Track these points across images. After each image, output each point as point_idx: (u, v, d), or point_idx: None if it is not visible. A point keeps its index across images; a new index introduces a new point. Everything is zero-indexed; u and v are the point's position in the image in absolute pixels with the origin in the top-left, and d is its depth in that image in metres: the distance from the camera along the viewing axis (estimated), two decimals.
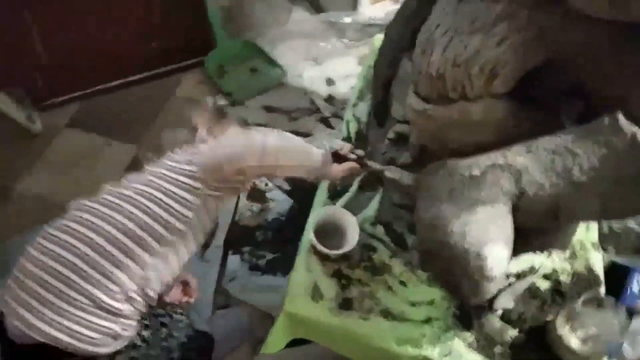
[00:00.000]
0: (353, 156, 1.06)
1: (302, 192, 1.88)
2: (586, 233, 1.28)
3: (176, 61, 2.30)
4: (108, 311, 0.91)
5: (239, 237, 1.79)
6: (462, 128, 0.90)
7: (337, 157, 1.06)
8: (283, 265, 1.68)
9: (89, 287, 0.88)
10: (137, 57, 2.21)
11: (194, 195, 0.97)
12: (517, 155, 0.85)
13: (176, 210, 0.96)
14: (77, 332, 0.88)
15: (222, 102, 2.25)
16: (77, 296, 0.87)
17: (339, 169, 1.05)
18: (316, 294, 1.11)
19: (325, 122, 2.16)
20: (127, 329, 0.97)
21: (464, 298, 0.81)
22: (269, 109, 2.22)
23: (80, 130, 2.10)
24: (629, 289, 1.44)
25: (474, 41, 0.84)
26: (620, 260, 1.63)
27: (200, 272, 1.70)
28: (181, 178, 0.97)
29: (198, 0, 2.14)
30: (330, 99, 2.27)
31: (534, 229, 1.05)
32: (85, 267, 0.88)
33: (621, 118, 0.77)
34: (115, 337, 0.95)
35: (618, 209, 0.79)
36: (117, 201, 0.96)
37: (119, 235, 0.92)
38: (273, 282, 1.67)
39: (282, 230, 1.81)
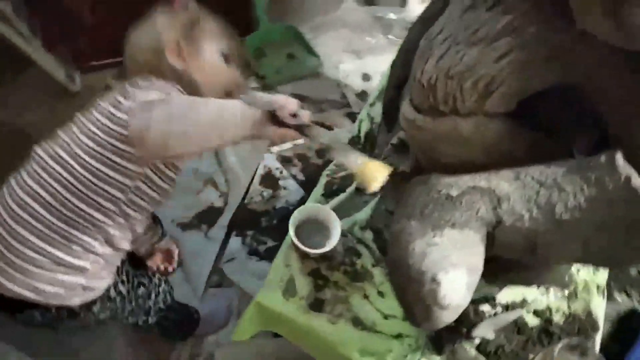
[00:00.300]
0: (292, 121, 0.84)
1: (315, 185, 1.87)
2: (594, 274, 1.18)
3: None
4: (71, 268, 0.92)
5: (244, 220, 1.80)
6: (451, 144, 0.84)
7: (277, 119, 0.85)
8: None
9: (47, 247, 0.89)
10: None
11: (130, 146, 0.86)
12: (502, 181, 0.79)
13: (117, 163, 0.87)
14: (42, 289, 0.90)
15: (254, 84, 2.26)
16: (36, 256, 0.89)
17: (275, 134, 0.83)
18: (289, 290, 1.10)
19: (353, 117, 2.12)
20: (96, 281, 0.97)
21: (416, 322, 0.76)
22: (298, 96, 2.20)
23: None
24: None
25: (472, 53, 0.78)
26: None
27: (200, 248, 1.73)
28: (116, 128, 0.86)
29: None
30: (362, 95, 2.22)
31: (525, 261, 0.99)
32: (40, 227, 0.89)
33: (619, 158, 0.69)
34: (85, 288, 0.95)
35: (602, 257, 0.72)
36: (62, 154, 0.90)
37: (67, 194, 0.89)
38: (268, 269, 1.67)
39: (288, 219, 1.80)
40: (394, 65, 1.26)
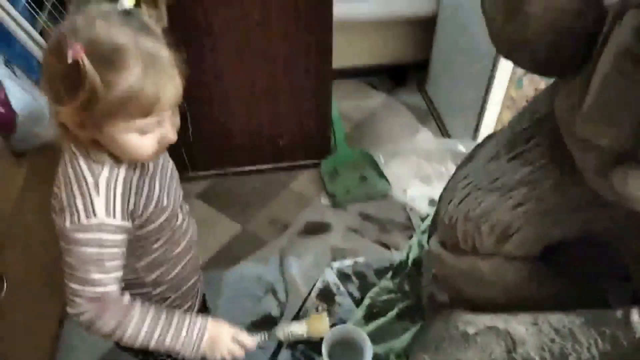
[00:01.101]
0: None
1: None
2: None
3: (297, 159, 2.58)
4: None
5: None
6: (472, 281, 0.88)
7: None
8: None
9: None
10: (267, 150, 2.54)
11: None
12: (519, 325, 0.80)
13: None
14: None
15: (325, 201, 2.42)
16: None
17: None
18: None
19: None
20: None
21: None
22: (365, 216, 2.31)
23: (203, 202, 2.44)
24: None
25: (490, 199, 0.84)
26: None
27: (251, 358, 1.77)
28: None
29: (325, 111, 2.42)
30: (427, 219, 2.28)
31: None
32: None
33: (635, 314, 0.69)
34: None
35: None
36: None
37: None
38: None
39: None
40: (440, 198, 1.34)
